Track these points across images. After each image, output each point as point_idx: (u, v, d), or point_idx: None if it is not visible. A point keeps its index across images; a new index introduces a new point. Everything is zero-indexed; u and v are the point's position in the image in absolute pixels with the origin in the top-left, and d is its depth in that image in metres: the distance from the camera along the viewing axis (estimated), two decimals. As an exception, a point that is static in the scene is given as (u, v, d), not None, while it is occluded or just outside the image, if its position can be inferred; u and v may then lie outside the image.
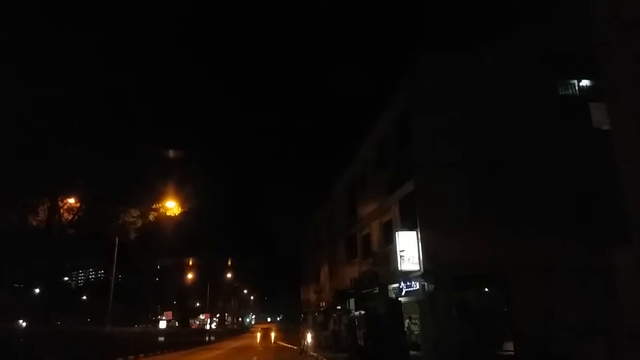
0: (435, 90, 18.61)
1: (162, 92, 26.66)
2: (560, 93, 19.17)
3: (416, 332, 19.59)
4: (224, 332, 72.68)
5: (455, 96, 18.39)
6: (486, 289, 17.81)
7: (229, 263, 69.61)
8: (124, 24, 19.76)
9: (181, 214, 27.96)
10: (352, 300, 28.26)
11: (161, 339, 34.67)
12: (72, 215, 24.13)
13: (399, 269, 18.19)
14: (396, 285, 19.98)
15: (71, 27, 18.33)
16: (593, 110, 18.19)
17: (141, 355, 25.59)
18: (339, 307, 31.17)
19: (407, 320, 20.22)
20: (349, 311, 28.04)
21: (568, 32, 17.59)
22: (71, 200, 23.89)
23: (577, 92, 19.23)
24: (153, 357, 26.22)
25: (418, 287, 18.16)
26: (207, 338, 54.69)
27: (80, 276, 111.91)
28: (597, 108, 17.36)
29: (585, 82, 19.14)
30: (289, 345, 40.95)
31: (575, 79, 19.14)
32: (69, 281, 74.98)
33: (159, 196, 26.04)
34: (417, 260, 17.86)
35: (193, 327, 68.12)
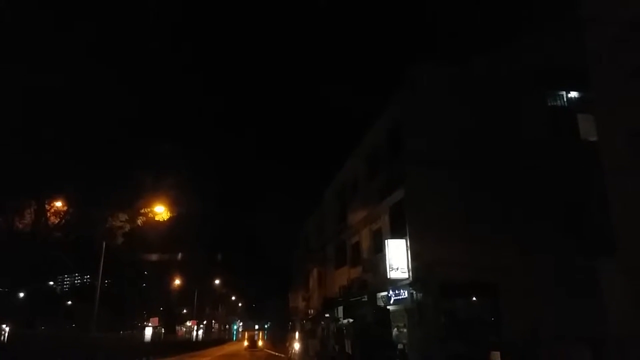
0: (428, 101, 18.73)
1: (154, 99, 26.63)
2: (549, 104, 19.41)
3: (404, 341, 19.55)
4: (211, 340, 72.01)
5: (447, 107, 18.51)
6: (474, 298, 17.85)
7: (217, 269, 69.10)
8: (115, 29, 19.74)
9: (170, 219, 27.76)
10: (340, 308, 28.16)
11: (147, 344, 34.25)
12: (58, 219, 23.87)
13: (388, 277, 18.17)
14: (385, 293, 19.96)
15: (61, 31, 18.25)
16: (581, 122, 18.44)
17: (126, 361, 25.29)
18: (327, 315, 31.05)
19: (395, 329, 20.19)
20: (338, 319, 27.93)
21: (558, 45, 17.84)
22: (58, 204, 23.62)
23: (566, 103, 19.48)
24: (138, 364, 25.91)
25: (407, 295, 18.14)
26: (193, 345, 54.15)
27: (66, 281, 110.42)
28: (585, 119, 17.59)
29: (573, 94, 19.40)
30: (276, 353, 40.70)
31: (563, 90, 19.40)
32: (54, 286, 73.79)
33: (147, 201, 25.83)
34: (406, 269, 17.86)
35: (179, 333, 67.36)
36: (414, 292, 17.59)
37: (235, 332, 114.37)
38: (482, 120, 18.16)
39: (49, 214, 23.43)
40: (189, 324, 71.80)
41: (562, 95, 19.54)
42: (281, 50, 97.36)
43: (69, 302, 67.51)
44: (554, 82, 19.14)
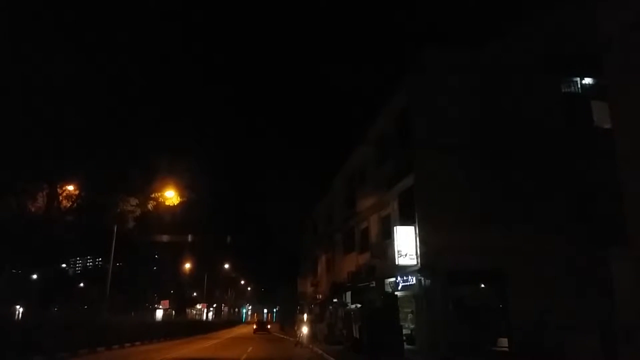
0: (437, 86, 18.56)
1: (162, 84, 26.70)
2: (563, 90, 19.13)
3: (412, 326, 19.67)
4: (221, 322, 72.94)
5: (456, 92, 18.35)
6: (482, 285, 17.86)
7: (227, 253, 69.70)
8: (126, 18, 19.74)
9: (180, 203, 27.93)
10: (348, 294, 28.35)
11: (157, 325, 34.71)
12: (70, 203, 24.12)
13: (396, 263, 18.22)
14: (393, 279, 20.05)
15: (71, 19, 18.27)
16: (595, 109, 18.17)
17: (137, 342, 25.65)
18: (335, 300, 31.27)
19: (403, 315, 20.29)
20: (346, 304, 28.12)
21: (572, 30, 17.51)
22: (70, 188, 23.85)
23: (580, 90, 19.18)
24: (149, 345, 26.28)
25: (415, 281, 18.21)
26: (203, 326, 54.88)
27: (78, 263, 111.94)
28: (599, 106, 17.33)
29: (588, 80, 19.08)
30: (285, 337, 41.14)
31: (578, 76, 19.09)
32: (67, 268, 74.87)
33: (158, 185, 26.01)
34: (414, 255, 17.89)
35: (189, 316, 68.25)
36: (422, 279, 17.64)
37: (244, 316, 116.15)
38: (493, 105, 17.98)
39: (61, 198, 23.67)
40: (199, 306, 72.77)
41: (576, 81, 19.23)
42: (289, 34, 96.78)
43: (81, 284, 68.59)
44: (567, 68, 18.83)
